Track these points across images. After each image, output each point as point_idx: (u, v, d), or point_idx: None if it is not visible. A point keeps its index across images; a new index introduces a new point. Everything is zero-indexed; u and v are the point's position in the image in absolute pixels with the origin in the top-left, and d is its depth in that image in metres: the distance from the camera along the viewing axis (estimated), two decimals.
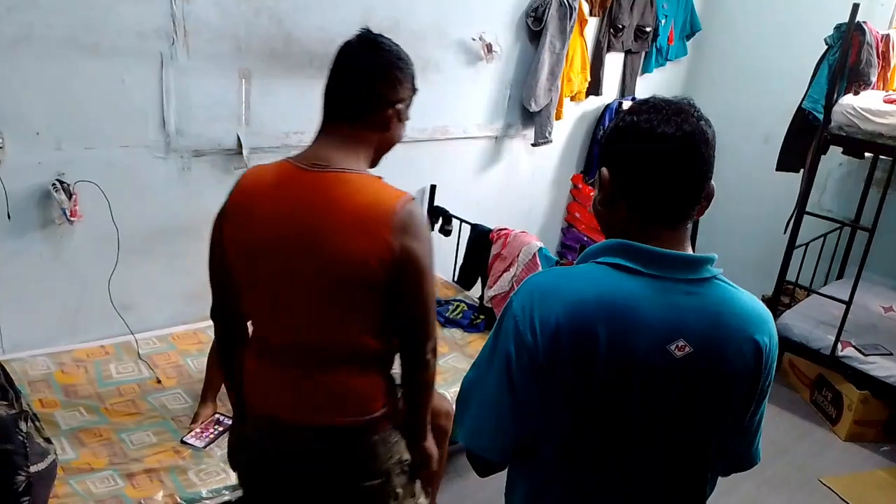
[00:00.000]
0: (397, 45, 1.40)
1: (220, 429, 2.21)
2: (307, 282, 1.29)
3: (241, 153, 2.71)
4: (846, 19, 3.15)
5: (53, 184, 2.31)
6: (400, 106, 1.39)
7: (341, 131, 1.36)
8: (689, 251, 1.04)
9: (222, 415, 2.28)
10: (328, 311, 1.31)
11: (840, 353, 3.38)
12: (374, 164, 1.42)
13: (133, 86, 2.42)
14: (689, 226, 1.06)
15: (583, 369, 0.99)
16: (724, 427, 1.09)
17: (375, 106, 1.36)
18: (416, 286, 1.32)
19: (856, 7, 3.08)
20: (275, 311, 1.36)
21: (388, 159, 3.52)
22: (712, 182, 1.05)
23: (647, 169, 1.02)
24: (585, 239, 4.25)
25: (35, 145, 2.28)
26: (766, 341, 1.04)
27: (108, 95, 2.38)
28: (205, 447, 2.14)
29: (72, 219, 2.34)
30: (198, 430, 2.19)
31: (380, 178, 1.35)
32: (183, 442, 2.16)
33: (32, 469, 1.72)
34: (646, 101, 1.05)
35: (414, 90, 1.42)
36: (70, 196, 2.32)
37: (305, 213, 1.27)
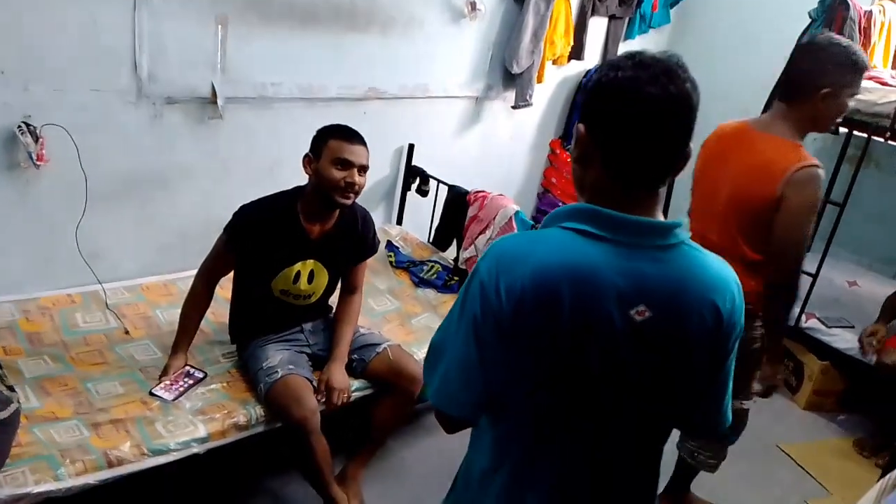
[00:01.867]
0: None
1: (190, 382, 2.19)
2: None
3: (215, 102, 2.64)
4: None
5: (19, 126, 2.22)
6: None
7: None
8: (660, 216, 1.04)
9: (193, 367, 2.26)
10: None
11: (804, 325, 3.45)
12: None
13: (105, 27, 2.33)
14: (663, 189, 1.05)
15: (546, 333, 0.99)
16: (686, 390, 1.10)
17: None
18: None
19: None
20: None
21: (367, 117, 3.49)
22: (691, 145, 1.03)
23: (626, 131, 0.98)
24: (560, 204, 4.24)
25: (0, 84, 2.19)
26: (727, 304, 1.04)
27: (78, 36, 2.29)
28: (174, 399, 2.12)
29: (38, 163, 2.26)
30: (167, 381, 2.17)
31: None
32: (151, 394, 2.13)
33: None
34: (632, 56, 1.00)
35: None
36: (37, 139, 2.24)
37: None
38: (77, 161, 2.37)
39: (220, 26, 2.59)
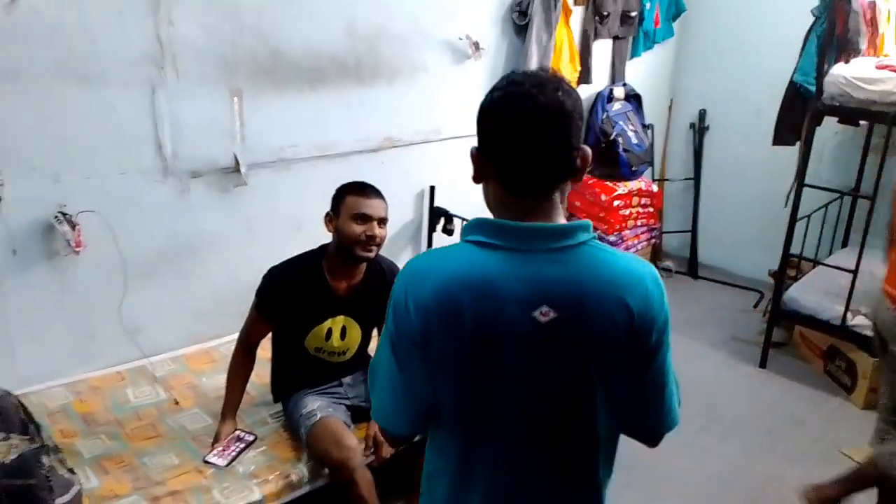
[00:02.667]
0: None
1: (242, 446, 2.23)
2: None
3: (238, 171, 2.73)
4: None
5: (56, 216, 2.33)
6: None
7: None
8: (559, 220, 1.07)
9: (242, 431, 2.30)
10: None
11: (850, 323, 3.37)
12: None
13: (125, 113, 2.44)
14: (556, 196, 1.08)
15: (452, 343, 1.03)
16: (609, 392, 1.09)
17: None
18: None
19: None
20: None
21: (385, 166, 3.56)
22: (584, 147, 1.07)
23: (507, 146, 1.04)
24: None
25: (33, 180, 2.30)
26: (637, 300, 1.03)
27: (101, 124, 2.40)
28: (227, 465, 2.16)
29: (77, 249, 2.36)
30: (219, 448, 2.21)
31: None
32: (205, 461, 2.17)
33: (58, 501, 1.74)
34: (508, 76, 1.07)
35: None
36: (73, 227, 2.34)
37: None
38: (112, 242, 2.47)
39: (234, 98, 2.69)
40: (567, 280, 1.03)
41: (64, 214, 2.34)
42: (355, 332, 2.33)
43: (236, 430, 2.30)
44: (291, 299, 2.20)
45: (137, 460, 2.18)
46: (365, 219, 2.14)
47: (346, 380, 2.40)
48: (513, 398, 1.07)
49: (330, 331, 2.26)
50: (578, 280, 1.03)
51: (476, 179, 1.11)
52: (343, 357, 2.34)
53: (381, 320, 2.51)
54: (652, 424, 1.16)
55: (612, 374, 1.08)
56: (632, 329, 1.04)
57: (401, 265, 2.50)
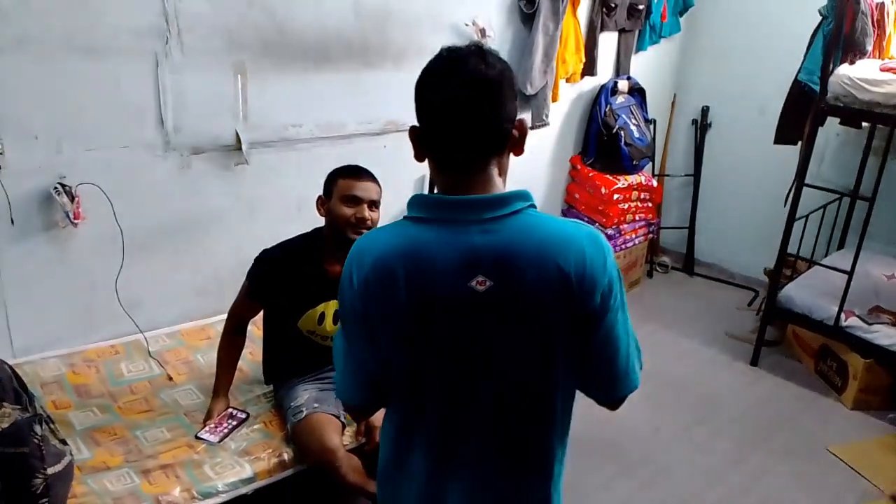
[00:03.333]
0: None
1: (234, 423, 2.24)
2: None
3: (240, 149, 2.72)
4: None
5: (55, 187, 2.31)
6: None
7: None
8: (495, 190, 1.08)
9: (235, 409, 2.30)
10: None
11: (843, 323, 3.39)
12: None
13: (129, 85, 2.42)
14: (492, 169, 1.09)
15: (391, 315, 1.07)
16: (550, 357, 1.08)
17: None
18: None
19: None
20: None
21: (387, 150, 3.54)
22: (521, 119, 1.09)
23: (433, 118, 1.06)
24: (586, 219, 4.25)
25: (35, 149, 2.28)
26: (570, 262, 1.03)
27: (105, 96, 2.38)
28: (219, 441, 2.17)
29: (75, 221, 2.35)
30: (212, 425, 2.22)
31: None
32: (197, 437, 2.18)
33: (50, 471, 1.75)
34: (441, 52, 1.08)
35: None
36: (72, 199, 2.33)
37: None
38: (112, 216, 2.46)
39: (238, 75, 2.67)
40: (500, 248, 1.03)
41: (63, 186, 2.33)
42: None
43: (229, 407, 2.30)
44: (283, 282, 2.20)
45: (129, 433, 2.18)
46: (356, 201, 2.14)
47: None
48: (452, 370, 1.09)
49: (323, 315, 2.26)
50: (511, 247, 1.03)
51: (417, 157, 1.12)
52: None
53: None
54: (607, 387, 1.15)
55: (557, 339, 1.07)
56: (569, 293, 1.03)
57: None
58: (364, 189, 2.16)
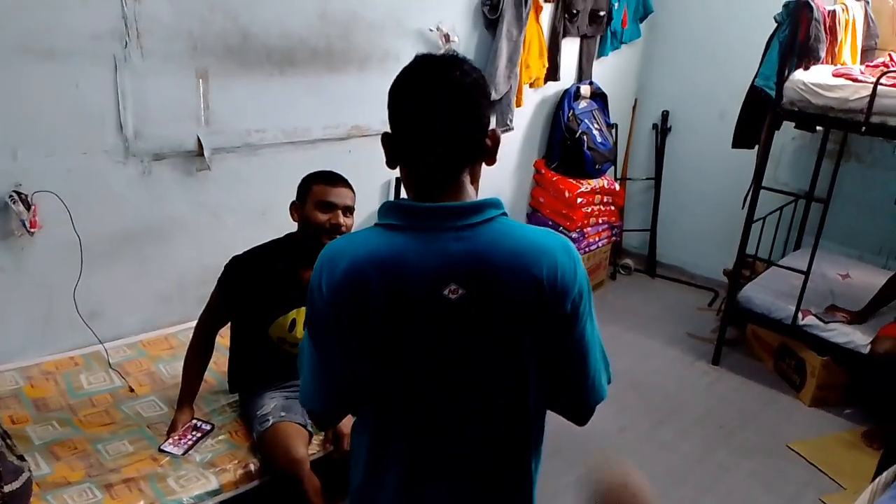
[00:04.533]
0: None
1: (198, 434, 2.20)
2: None
3: (202, 154, 2.68)
4: None
5: (10, 195, 2.25)
6: None
7: None
8: (467, 198, 1.08)
9: (199, 420, 2.26)
10: None
11: (801, 322, 3.48)
12: None
13: (88, 90, 2.37)
14: (465, 177, 1.09)
15: (363, 323, 1.05)
16: (523, 366, 1.08)
17: None
18: None
19: None
20: None
21: (352, 155, 3.51)
22: (494, 129, 1.10)
23: (405, 124, 1.06)
24: (550, 223, 4.29)
25: None
26: (544, 271, 1.03)
27: (62, 101, 2.32)
28: (183, 454, 2.12)
29: (31, 230, 2.29)
30: (175, 437, 2.17)
31: None
32: (161, 450, 2.13)
33: (6, 489, 1.69)
34: (412, 61, 1.08)
35: None
36: (29, 207, 2.27)
37: None
38: (70, 224, 2.40)
39: (200, 79, 2.63)
40: (473, 256, 1.03)
41: (19, 194, 2.26)
42: None
43: (193, 418, 2.26)
44: (254, 288, 2.17)
45: (91, 447, 2.13)
46: (331, 207, 2.12)
47: None
48: (425, 379, 1.08)
49: (294, 322, 2.23)
50: (484, 255, 1.03)
51: (389, 164, 1.12)
52: None
53: None
54: (576, 398, 1.15)
55: (528, 349, 1.07)
56: (542, 301, 1.04)
57: None
58: (339, 195, 2.14)
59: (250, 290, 2.17)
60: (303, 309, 2.22)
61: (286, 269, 2.19)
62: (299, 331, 2.25)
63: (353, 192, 2.19)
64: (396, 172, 3.67)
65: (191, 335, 2.31)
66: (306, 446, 2.14)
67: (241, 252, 2.22)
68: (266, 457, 2.12)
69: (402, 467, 1.14)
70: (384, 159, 1.12)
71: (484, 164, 1.13)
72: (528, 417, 1.14)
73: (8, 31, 2.16)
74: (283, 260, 2.19)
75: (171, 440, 2.16)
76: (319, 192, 2.13)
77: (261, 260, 2.19)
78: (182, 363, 2.31)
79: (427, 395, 1.09)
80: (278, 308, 2.21)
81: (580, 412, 1.16)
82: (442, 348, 1.06)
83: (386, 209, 1.09)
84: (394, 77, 1.09)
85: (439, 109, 1.03)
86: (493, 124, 1.09)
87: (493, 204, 1.08)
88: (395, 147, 1.09)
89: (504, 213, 1.09)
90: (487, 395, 1.10)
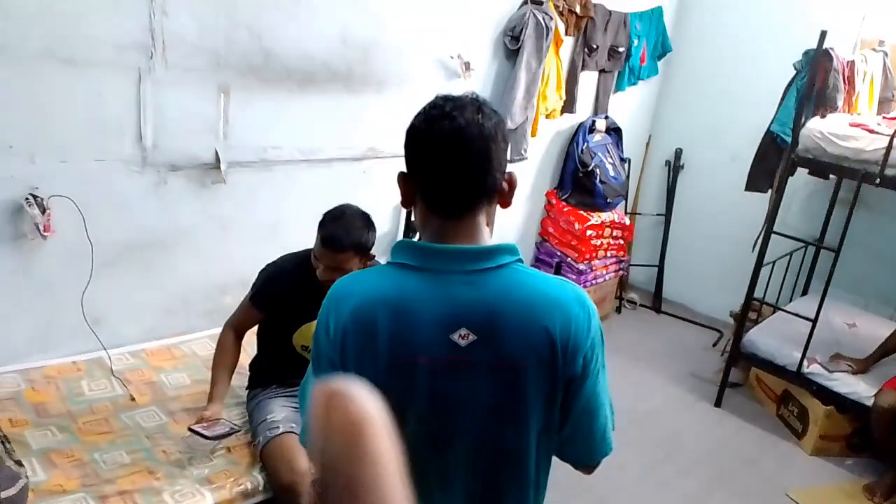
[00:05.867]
0: None
1: (226, 429, 2.16)
2: None
3: (218, 167, 2.69)
4: (813, 45, 3.24)
5: (27, 198, 2.26)
6: None
7: None
8: (484, 243, 1.07)
9: (227, 421, 2.22)
10: None
11: (806, 370, 3.46)
12: None
13: (109, 99, 2.39)
14: (481, 218, 1.08)
15: (368, 364, 1.03)
16: (530, 418, 1.07)
17: None
18: None
19: (823, 34, 3.17)
20: None
21: (366, 175, 3.52)
22: (510, 172, 1.09)
23: (425, 166, 1.06)
24: (559, 253, 4.29)
25: (8, 158, 2.22)
26: (557, 324, 1.02)
27: (83, 108, 2.34)
28: (212, 438, 2.09)
29: (45, 234, 2.29)
30: (206, 423, 2.14)
31: None
32: (190, 429, 2.11)
33: (3, 495, 1.68)
34: (434, 100, 1.08)
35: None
36: (43, 211, 2.27)
37: None
38: (83, 230, 2.40)
39: (222, 94, 2.65)
40: (482, 302, 1.02)
41: (35, 197, 2.27)
42: None
43: (221, 419, 2.22)
44: (287, 292, 2.20)
45: (88, 455, 2.11)
46: (328, 265, 2.12)
47: None
48: (429, 425, 1.06)
49: None
50: (493, 303, 1.02)
51: (404, 203, 1.12)
52: None
53: None
54: (584, 452, 1.14)
55: (536, 400, 1.06)
56: (553, 356, 1.03)
57: None
58: (336, 260, 2.09)
59: (283, 292, 2.21)
60: None
61: (313, 278, 2.19)
62: None
63: (355, 251, 2.11)
64: None
65: (195, 347, 2.31)
66: (308, 463, 2.13)
67: (272, 260, 2.27)
68: (268, 467, 2.12)
69: None
70: (399, 189, 1.12)
71: (499, 207, 1.12)
72: (527, 471, 1.12)
73: (33, 36, 2.18)
74: (310, 270, 2.20)
75: (201, 424, 2.13)
76: (321, 254, 2.11)
77: (295, 264, 2.24)
78: (185, 374, 2.31)
79: (429, 439, 1.07)
80: (305, 316, 2.21)
81: (587, 465, 1.16)
82: (448, 393, 1.05)
83: (399, 248, 1.09)
84: (411, 101, 1.09)
85: (459, 150, 1.03)
86: (508, 154, 1.09)
87: (509, 250, 1.07)
88: (411, 186, 1.09)
89: (519, 260, 1.08)
90: (489, 444, 1.08)
